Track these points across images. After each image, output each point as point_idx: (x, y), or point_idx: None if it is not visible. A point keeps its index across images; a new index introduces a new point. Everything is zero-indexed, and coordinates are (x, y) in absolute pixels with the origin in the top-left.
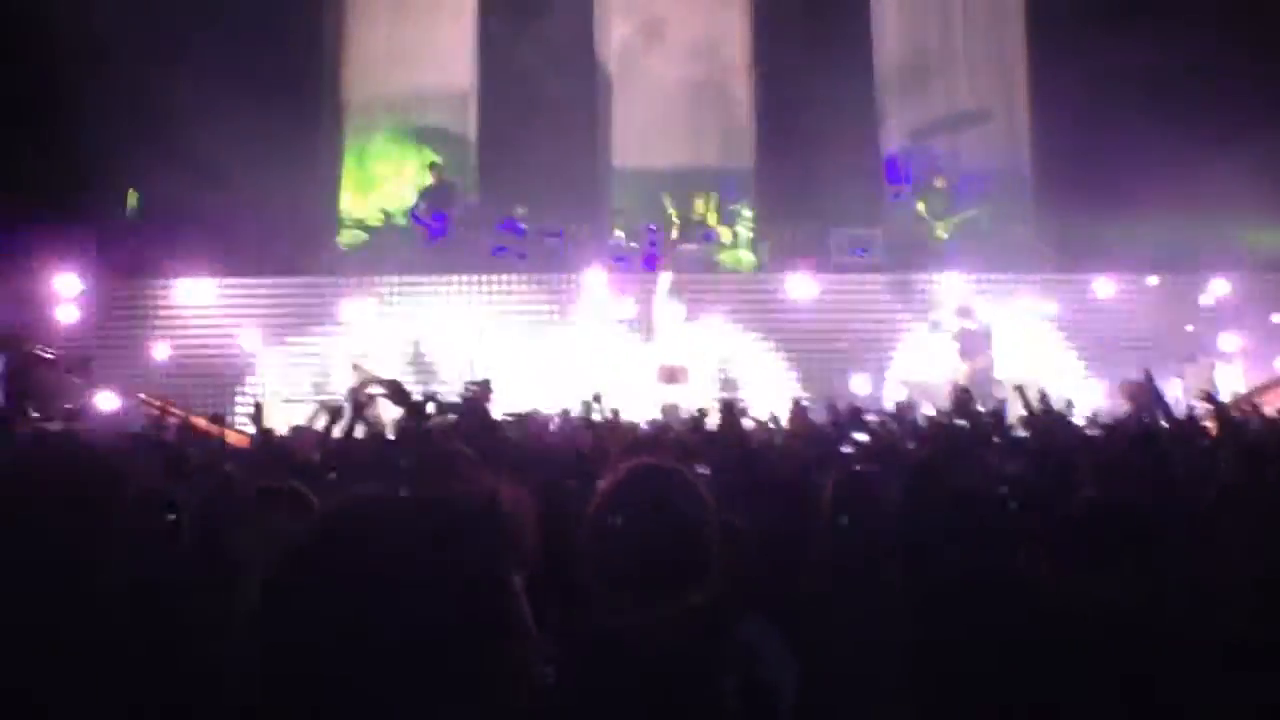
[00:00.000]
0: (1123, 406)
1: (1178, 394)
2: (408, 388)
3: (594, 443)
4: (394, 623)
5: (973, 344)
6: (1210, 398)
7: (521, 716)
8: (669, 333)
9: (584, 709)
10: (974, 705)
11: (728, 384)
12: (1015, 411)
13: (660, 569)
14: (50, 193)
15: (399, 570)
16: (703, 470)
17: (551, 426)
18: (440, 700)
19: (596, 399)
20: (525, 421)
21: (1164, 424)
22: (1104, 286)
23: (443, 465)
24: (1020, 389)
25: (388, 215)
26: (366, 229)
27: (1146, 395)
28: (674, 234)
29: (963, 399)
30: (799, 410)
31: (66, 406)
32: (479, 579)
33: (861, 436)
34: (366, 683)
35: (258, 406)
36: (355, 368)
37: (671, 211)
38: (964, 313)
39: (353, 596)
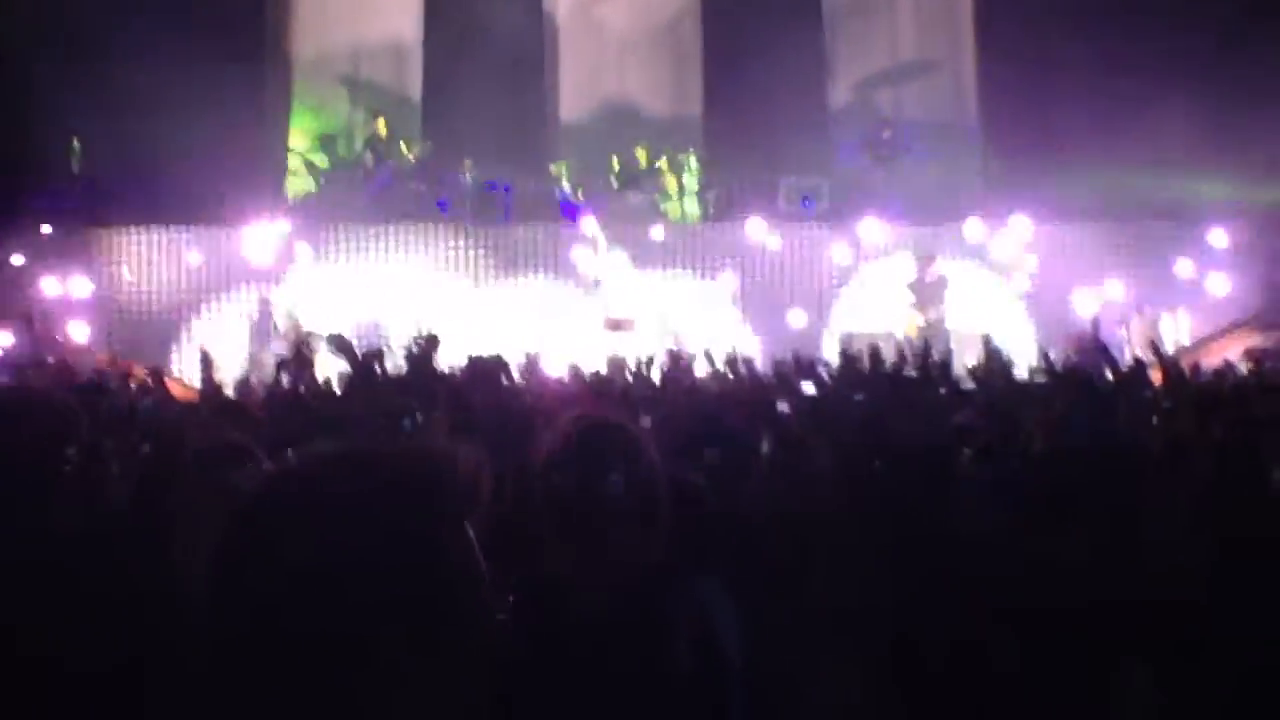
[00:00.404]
0: (1069, 356)
1: (1123, 344)
2: (351, 340)
3: (536, 396)
4: (349, 577)
5: (929, 294)
6: (1156, 350)
7: (480, 667)
8: (614, 283)
9: (532, 661)
10: (929, 665)
11: (673, 334)
12: (964, 361)
13: (606, 523)
14: None
15: (353, 524)
16: (644, 422)
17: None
18: (398, 652)
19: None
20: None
21: (1109, 375)
22: (1052, 235)
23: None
24: (987, 339)
25: (334, 166)
26: (313, 179)
27: (1092, 346)
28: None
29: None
30: (745, 361)
31: (8, 358)
32: (433, 532)
33: (808, 387)
34: (324, 638)
35: (205, 356)
36: (286, 315)
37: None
38: (925, 261)
39: (306, 551)
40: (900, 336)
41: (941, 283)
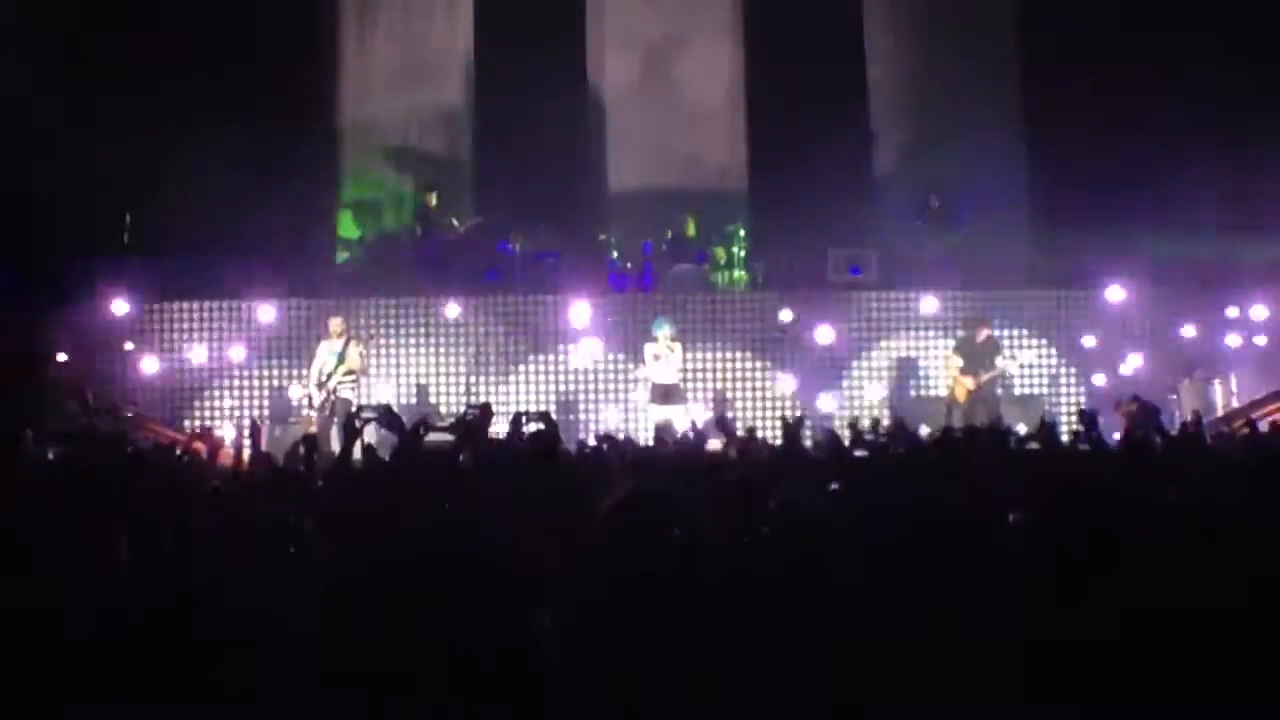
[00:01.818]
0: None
1: (1174, 410)
2: (398, 413)
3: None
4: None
5: (979, 357)
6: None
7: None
8: (663, 354)
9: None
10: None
11: (722, 404)
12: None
13: (653, 588)
14: (46, 219)
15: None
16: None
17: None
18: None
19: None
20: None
21: (1159, 441)
22: (1101, 300)
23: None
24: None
25: (383, 237)
26: (362, 250)
27: (1141, 412)
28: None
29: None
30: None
31: (65, 430)
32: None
33: (861, 453)
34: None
35: (255, 427)
36: (321, 386)
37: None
38: (975, 326)
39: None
40: (951, 400)
41: (992, 346)
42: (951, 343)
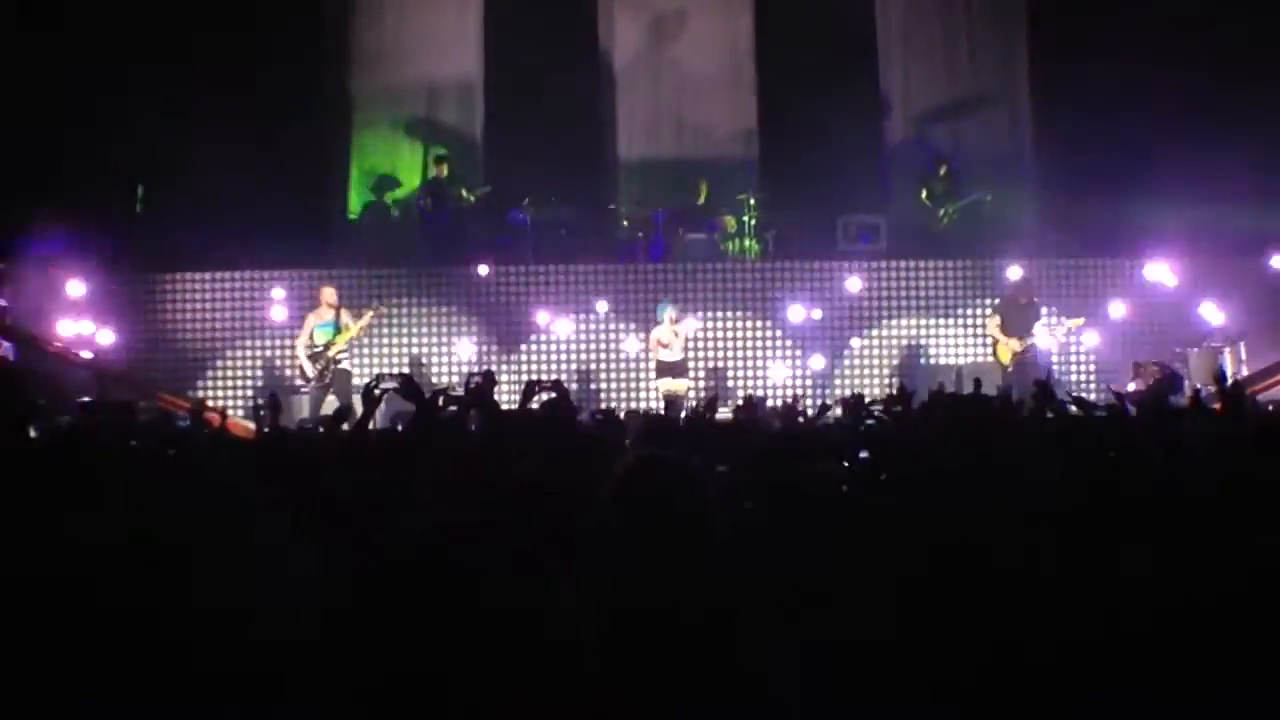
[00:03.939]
0: (1135, 386)
1: (1184, 378)
2: (418, 383)
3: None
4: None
5: (1022, 322)
6: (1219, 382)
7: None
8: (667, 336)
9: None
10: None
11: (729, 374)
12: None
13: (658, 557)
14: (59, 190)
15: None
16: (721, 468)
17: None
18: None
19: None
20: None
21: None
22: (1109, 270)
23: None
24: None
25: (393, 207)
26: (372, 221)
27: (1160, 377)
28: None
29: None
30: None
31: (78, 401)
32: None
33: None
34: None
35: (274, 400)
36: (313, 358)
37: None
38: (1018, 289)
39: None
40: (994, 364)
41: (1033, 309)
42: (958, 313)
